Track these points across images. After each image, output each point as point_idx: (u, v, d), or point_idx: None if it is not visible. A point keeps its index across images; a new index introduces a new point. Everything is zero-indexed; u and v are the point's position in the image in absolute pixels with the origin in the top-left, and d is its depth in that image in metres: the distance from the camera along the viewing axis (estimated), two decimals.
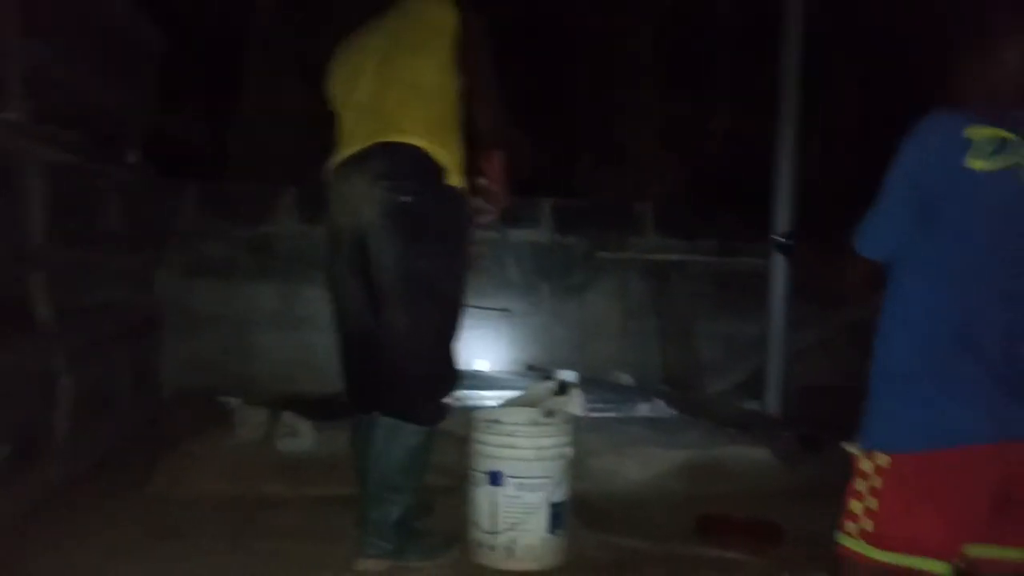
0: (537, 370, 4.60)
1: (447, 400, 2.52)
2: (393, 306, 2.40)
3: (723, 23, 5.60)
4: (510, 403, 3.86)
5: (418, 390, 2.45)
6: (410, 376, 2.44)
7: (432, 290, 2.41)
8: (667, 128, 5.67)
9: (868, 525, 1.52)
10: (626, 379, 4.86)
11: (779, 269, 4.39)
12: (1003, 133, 1.43)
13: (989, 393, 1.47)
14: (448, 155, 2.39)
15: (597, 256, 5.05)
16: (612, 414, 4.34)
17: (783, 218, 4.32)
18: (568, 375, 4.65)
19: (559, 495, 2.57)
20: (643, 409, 4.42)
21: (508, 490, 2.51)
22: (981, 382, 1.47)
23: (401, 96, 2.41)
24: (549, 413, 3.32)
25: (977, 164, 1.42)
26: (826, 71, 4.56)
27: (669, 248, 5.12)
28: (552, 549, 2.57)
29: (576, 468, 3.51)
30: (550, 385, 4.02)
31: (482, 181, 2.44)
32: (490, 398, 4.12)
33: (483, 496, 2.56)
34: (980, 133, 1.43)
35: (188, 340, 4.53)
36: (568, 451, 2.63)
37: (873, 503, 1.52)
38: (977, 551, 1.57)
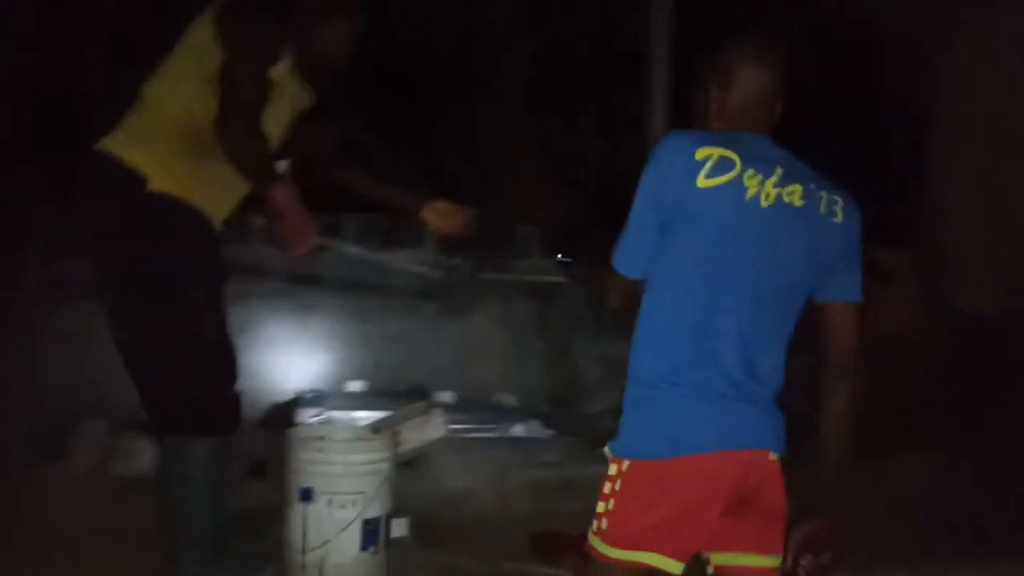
0: (415, 391, 4.57)
1: (217, 412, 2.43)
2: (120, 319, 2.38)
3: (593, 49, 5.69)
4: (372, 424, 3.84)
5: (172, 405, 2.40)
6: (159, 392, 2.40)
7: (150, 300, 2.34)
8: (546, 154, 5.74)
9: (604, 524, 1.58)
10: (508, 400, 4.87)
11: None
12: (729, 153, 1.53)
13: (724, 403, 1.54)
14: (152, 162, 2.31)
15: (481, 277, 5.07)
16: (486, 435, 4.33)
17: None
18: (445, 396, 4.66)
19: (373, 511, 2.55)
20: (518, 430, 4.42)
21: (319, 507, 2.49)
22: (717, 392, 1.53)
23: (136, 108, 2.40)
24: (396, 434, 3.32)
25: (708, 182, 1.51)
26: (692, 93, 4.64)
27: (553, 270, 5.16)
28: (365, 567, 2.54)
29: (429, 488, 3.56)
30: (420, 406, 4.01)
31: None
32: (362, 419, 4.08)
33: (295, 513, 2.52)
34: (708, 153, 1.52)
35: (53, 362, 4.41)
36: (384, 467, 2.61)
37: (612, 505, 1.58)
38: (719, 559, 1.62)
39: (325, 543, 2.48)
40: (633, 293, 1.63)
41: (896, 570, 3.03)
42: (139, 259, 2.34)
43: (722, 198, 1.52)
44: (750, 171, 1.54)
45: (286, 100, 2.49)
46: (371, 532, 2.54)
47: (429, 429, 3.89)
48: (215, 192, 2.39)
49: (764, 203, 1.55)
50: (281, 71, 2.41)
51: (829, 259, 1.61)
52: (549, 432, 4.42)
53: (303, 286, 4.73)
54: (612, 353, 4.94)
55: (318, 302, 4.85)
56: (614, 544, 1.57)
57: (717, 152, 1.53)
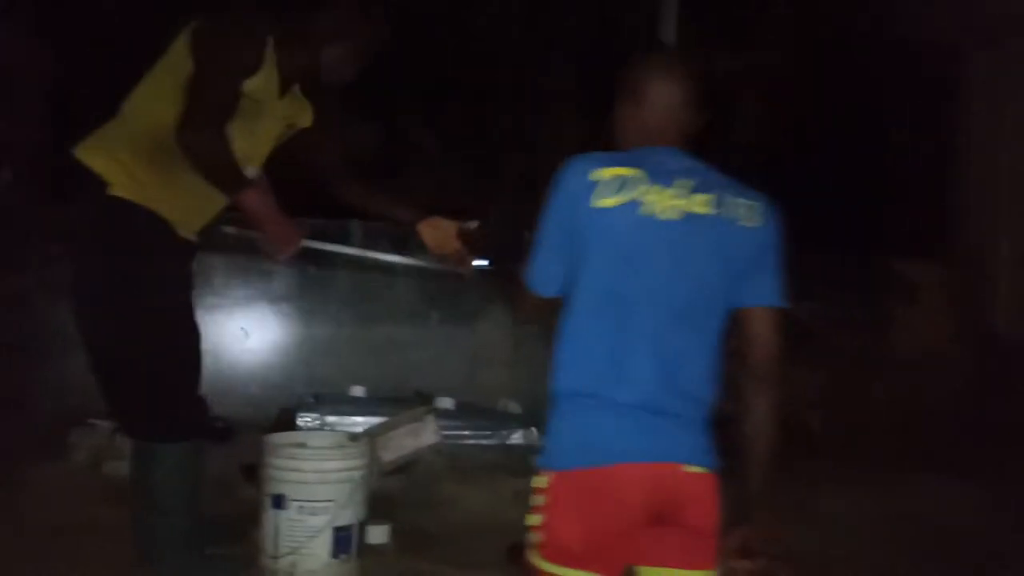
0: (416, 397, 4.55)
1: (179, 418, 2.43)
2: (80, 321, 2.38)
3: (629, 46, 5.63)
4: (369, 430, 3.83)
5: (135, 411, 2.40)
6: (121, 397, 2.40)
7: (113, 303, 2.35)
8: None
9: (537, 538, 1.57)
10: (513, 407, 4.82)
11: None
12: (626, 171, 1.54)
13: (640, 417, 1.53)
14: (115, 168, 2.32)
15: (488, 282, 5.02)
16: (483, 441, 4.29)
17: None
18: (446, 402, 4.63)
19: (345, 519, 2.53)
20: (516, 437, 4.37)
21: (290, 513, 2.47)
22: (633, 407, 1.52)
23: (116, 117, 2.42)
24: (390, 440, 3.29)
25: (602, 203, 1.52)
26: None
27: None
28: (336, 574, 2.51)
29: (417, 494, 3.52)
30: (416, 412, 3.98)
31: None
32: (359, 424, 4.06)
33: (268, 520, 2.51)
34: (604, 174, 1.53)
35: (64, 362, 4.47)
36: (357, 475, 2.58)
37: (541, 518, 1.57)
38: (648, 574, 1.59)
39: (295, 550, 2.45)
40: (546, 309, 1.65)
41: None
42: (97, 263, 2.37)
43: (618, 217, 1.53)
44: (650, 187, 1.55)
45: (272, 115, 2.49)
46: (343, 539, 2.51)
47: (423, 435, 3.88)
48: (186, 201, 2.39)
49: (666, 217, 1.54)
50: (261, 85, 2.39)
51: (743, 265, 1.59)
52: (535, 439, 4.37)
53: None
54: None
55: (325, 307, 4.86)
56: (547, 558, 1.56)
57: (614, 172, 1.55)
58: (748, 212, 1.59)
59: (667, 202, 1.54)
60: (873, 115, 5.56)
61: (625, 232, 1.53)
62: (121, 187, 2.32)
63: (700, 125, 1.67)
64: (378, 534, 2.97)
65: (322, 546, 2.47)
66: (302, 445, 2.67)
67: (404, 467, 3.73)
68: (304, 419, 4.09)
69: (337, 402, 4.28)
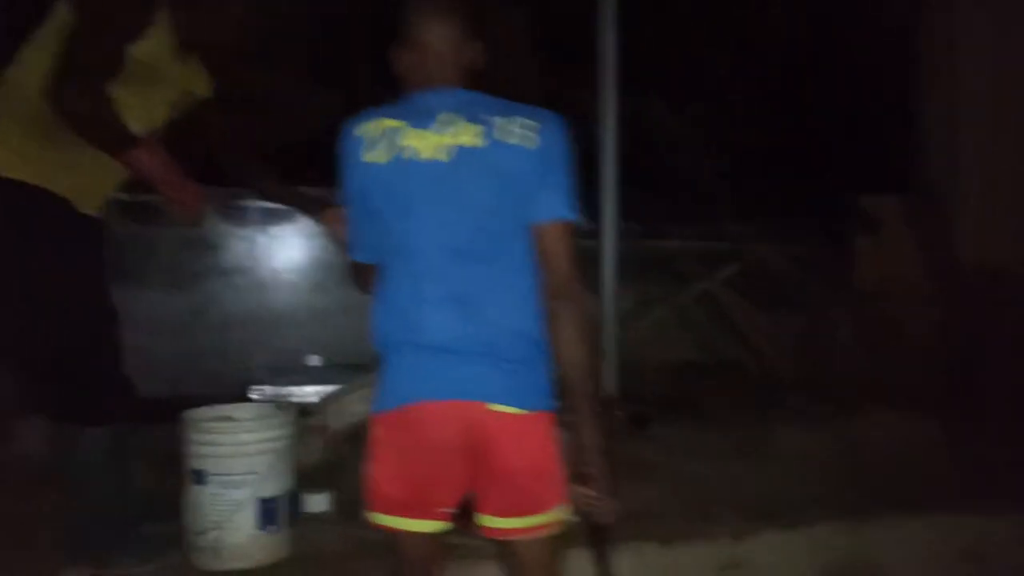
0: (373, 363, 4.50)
1: (110, 397, 2.39)
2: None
3: None
4: (323, 399, 3.80)
5: (58, 393, 2.34)
6: (43, 380, 2.35)
7: (12, 292, 2.28)
8: None
9: (367, 488, 1.60)
10: None
11: (609, 249, 4.36)
12: (388, 122, 1.55)
13: (443, 357, 1.52)
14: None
15: None
16: None
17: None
18: None
19: (271, 490, 2.49)
20: None
21: (211, 488, 2.43)
22: (435, 349, 1.53)
23: None
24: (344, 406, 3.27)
25: (369, 158, 1.54)
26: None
27: None
28: (263, 546, 2.48)
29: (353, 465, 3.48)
30: (372, 378, 3.94)
31: None
32: (312, 394, 4.03)
33: (191, 496, 2.48)
34: (368, 128, 1.55)
35: None
36: (280, 445, 2.54)
37: (369, 467, 1.59)
38: (483, 521, 1.61)
39: (219, 524, 2.42)
40: (369, 273, 1.66)
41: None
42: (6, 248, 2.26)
43: (384, 169, 1.53)
44: (412, 132, 1.53)
45: (167, 80, 2.40)
46: (269, 511, 2.48)
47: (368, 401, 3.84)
48: (80, 173, 2.30)
49: (431, 158, 1.52)
50: (153, 49, 2.30)
51: (526, 186, 1.55)
52: None
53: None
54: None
55: (279, 277, 4.80)
56: (375, 509, 1.58)
57: (377, 125, 1.55)
58: (523, 133, 1.54)
59: (431, 143, 1.51)
60: (832, 50, 5.44)
61: (394, 182, 1.53)
62: (4, 165, 2.21)
63: (477, 58, 1.64)
64: (318, 502, 2.95)
65: (246, 519, 2.44)
66: (228, 419, 2.63)
67: (358, 433, 3.70)
68: (258, 392, 4.07)
69: (292, 372, 4.26)
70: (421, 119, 1.54)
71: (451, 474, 1.54)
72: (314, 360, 4.48)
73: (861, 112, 5.32)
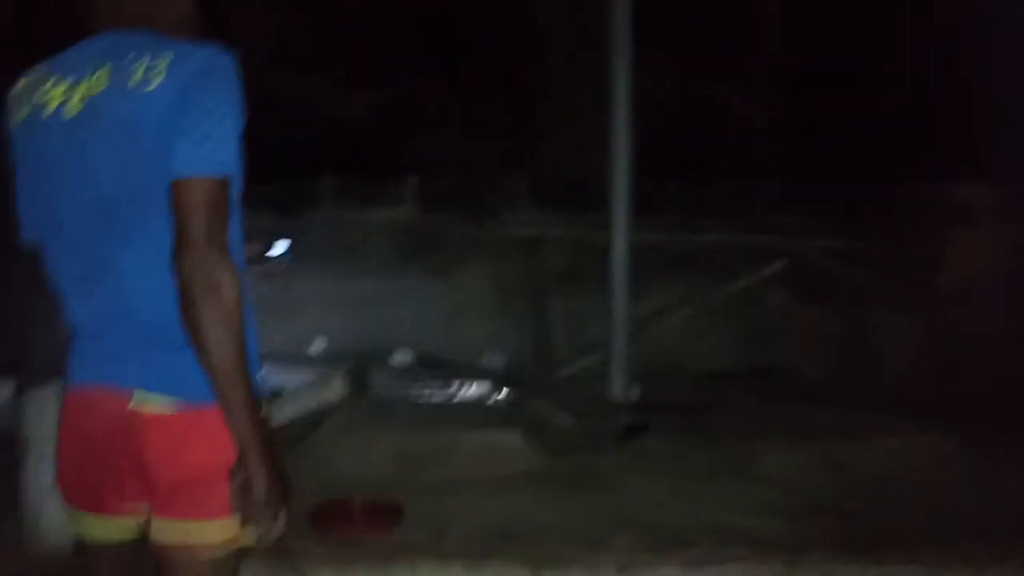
0: (369, 353, 4.35)
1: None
2: None
3: None
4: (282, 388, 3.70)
5: None
6: None
7: None
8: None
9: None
10: (496, 360, 4.54)
11: (619, 254, 3.96)
12: (38, 77, 1.30)
13: (87, 341, 1.31)
14: None
15: (466, 233, 4.73)
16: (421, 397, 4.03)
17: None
18: (402, 356, 4.41)
19: None
20: (471, 391, 4.07)
21: (35, 465, 2.36)
22: (83, 330, 1.32)
23: None
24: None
25: (15, 120, 1.30)
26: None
27: (545, 223, 4.71)
28: None
29: (290, 450, 3.32)
30: (331, 369, 3.82)
31: None
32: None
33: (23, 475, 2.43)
34: (18, 88, 1.31)
35: None
36: None
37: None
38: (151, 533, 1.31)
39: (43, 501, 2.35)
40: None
41: None
42: None
43: (26, 131, 1.28)
44: (53, 86, 1.26)
45: None
46: None
47: (329, 390, 3.70)
48: None
49: (69, 113, 1.23)
50: None
51: (152, 136, 1.19)
52: (498, 394, 4.04)
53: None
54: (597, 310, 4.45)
55: (298, 263, 4.76)
56: (63, 499, 1.35)
57: (24, 83, 1.30)
58: (148, 74, 1.19)
59: (70, 96, 1.24)
60: (898, 45, 4.71)
61: (35, 145, 1.27)
62: None
63: (181, 6, 1.33)
64: None
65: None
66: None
67: (314, 420, 3.57)
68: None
69: (288, 358, 4.19)
70: (68, 70, 1.27)
71: (110, 467, 1.28)
72: (316, 348, 4.40)
73: (929, 97, 4.55)
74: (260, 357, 1.28)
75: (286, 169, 4.97)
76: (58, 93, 1.24)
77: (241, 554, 1.29)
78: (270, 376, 3.92)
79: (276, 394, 3.70)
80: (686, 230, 4.65)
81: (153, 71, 1.19)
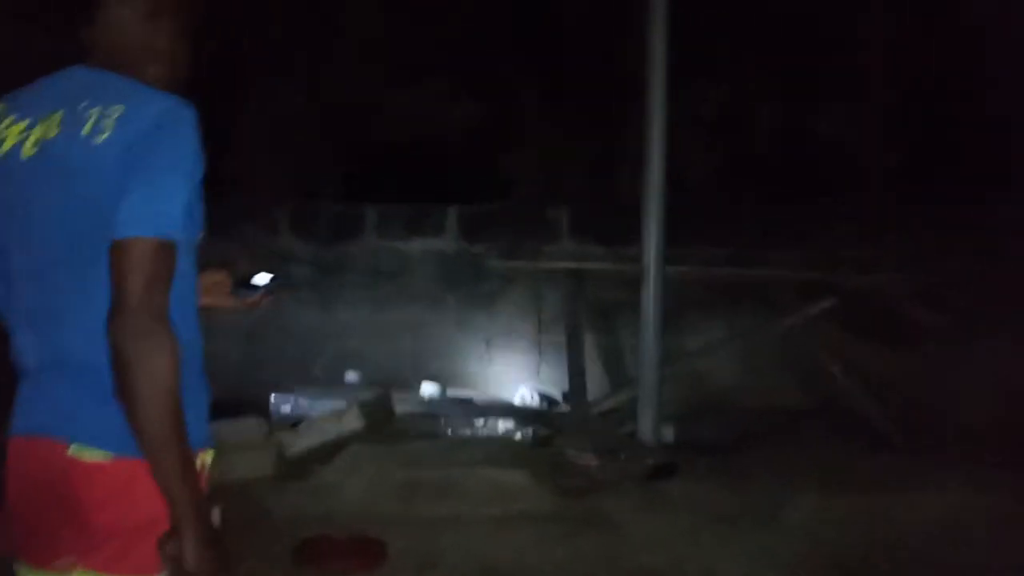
0: (398, 383, 4.29)
1: None
2: None
3: None
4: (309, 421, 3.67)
5: None
6: None
7: None
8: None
9: None
10: (527, 396, 4.41)
11: (652, 287, 3.78)
12: None
13: (29, 385, 1.26)
14: None
15: (507, 264, 4.63)
16: (465, 431, 3.93)
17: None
18: (431, 387, 4.32)
19: None
20: (494, 429, 3.95)
21: None
22: (31, 373, 1.26)
23: None
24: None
25: None
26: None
27: (585, 255, 4.57)
28: None
29: (299, 480, 3.28)
30: (355, 401, 3.77)
31: None
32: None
33: None
34: None
35: None
36: None
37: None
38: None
39: None
40: None
41: None
42: None
43: None
44: (14, 123, 1.22)
45: None
46: None
47: (346, 421, 3.64)
48: None
49: (25, 154, 1.19)
50: None
51: (95, 190, 1.15)
52: (524, 431, 3.90)
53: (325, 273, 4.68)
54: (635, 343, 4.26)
55: (342, 292, 4.76)
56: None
57: None
58: (99, 124, 1.15)
59: (26, 137, 1.21)
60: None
61: None
62: None
63: (155, 39, 1.29)
64: None
65: None
66: None
67: (330, 451, 3.52)
68: (281, 402, 4.05)
69: (313, 389, 4.17)
70: (26, 109, 1.26)
71: (46, 518, 1.24)
72: (351, 377, 4.37)
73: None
74: (209, 411, 1.24)
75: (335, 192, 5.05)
76: (15, 132, 1.22)
77: None
78: (293, 404, 3.92)
79: (295, 424, 3.71)
80: (740, 262, 4.40)
81: (104, 122, 1.16)
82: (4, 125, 1.23)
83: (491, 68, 5.30)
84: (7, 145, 1.21)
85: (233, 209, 4.42)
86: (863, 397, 3.97)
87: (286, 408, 4.02)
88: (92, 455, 1.18)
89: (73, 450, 1.18)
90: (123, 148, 1.13)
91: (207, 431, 1.25)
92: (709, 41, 4.82)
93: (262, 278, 1.57)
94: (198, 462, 1.21)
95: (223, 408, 3.56)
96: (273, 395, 4.06)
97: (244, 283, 1.56)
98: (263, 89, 5.39)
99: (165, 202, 1.13)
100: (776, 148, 5.32)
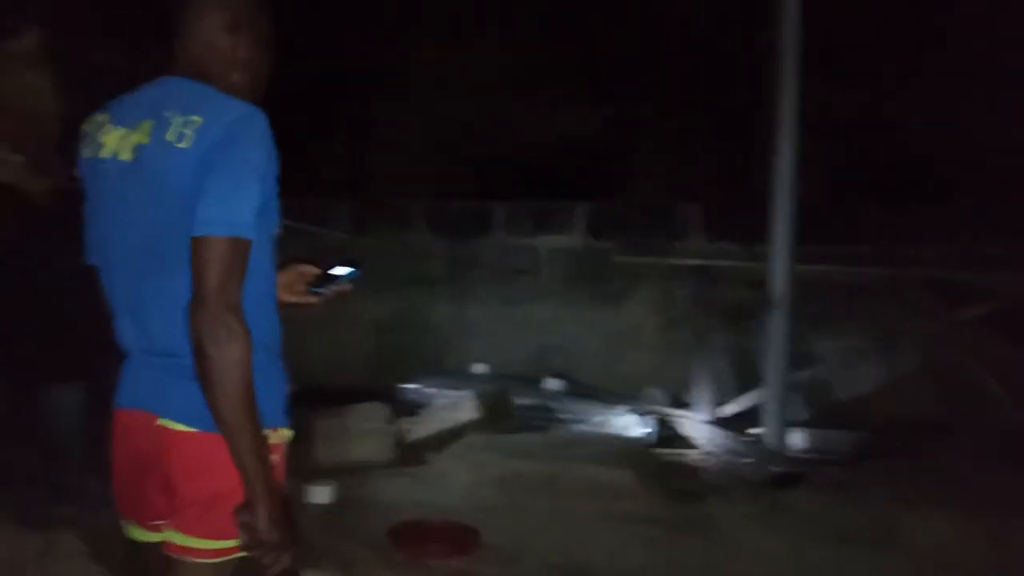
0: (525, 377, 4.31)
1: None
2: None
3: None
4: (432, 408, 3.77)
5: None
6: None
7: None
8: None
9: None
10: (656, 396, 4.30)
11: (779, 287, 3.59)
12: (100, 117, 1.40)
13: (134, 364, 1.42)
14: None
15: (634, 261, 4.55)
16: (581, 426, 3.91)
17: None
18: (554, 383, 4.31)
19: None
20: (610, 425, 3.89)
21: None
22: (132, 355, 1.41)
23: None
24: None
25: (84, 154, 1.41)
26: None
27: (718, 253, 4.40)
28: None
29: (411, 464, 3.36)
30: (473, 391, 3.84)
31: None
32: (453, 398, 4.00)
33: None
34: (89, 123, 1.41)
35: None
36: None
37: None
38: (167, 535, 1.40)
39: None
40: None
41: None
42: None
43: (89, 167, 1.40)
44: (110, 129, 1.37)
45: None
46: None
47: (462, 411, 3.71)
48: None
49: (121, 157, 1.34)
50: None
51: (179, 192, 1.28)
52: (644, 430, 3.81)
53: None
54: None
55: (475, 286, 4.84)
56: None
57: (94, 120, 1.40)
58: (182, 132, 1.28)
59: (123, 141, 1.35)
60: None
61: (92, 181, 1.40)
62: None
63: (236, 50, 1.40)
64: (320, 494, 2.95)
65: None
66: None
67: (446, 439, 3.60)
68: (408, 389, 4.20)
69: (442, 376, 4.28)
70: (124, 115, 1.39)
71: (141, 482, 1.39)
72: (479, 368, 4.45)
73: None
74: (286, 396, 1.34)
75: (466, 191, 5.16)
76: (114, 138, 1.36)
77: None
78: (418, 393, 4.04)
79: (413, 413, 3.83)
80: (883, 262, 4.10)
81: (186, 129, 1.28)
82: (105, 131, 1.37)
83: (622, 70, 5.27)
84: (108, 150, 1.35)
85: (370, 206, 4.63)
86: (1017, 411, 3.58)
87: (412, 396, 4.17)
88: (179, 428, 1.29)
89: (163, 422, 1.30)
90: (201, 154, 1.25)
91: (282, 412, 1.34)
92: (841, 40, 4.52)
93: (341, 270, 1.63)
94: (275, 439, 1.31)
95: (353, 395, 3.73)
96: (400, 384, 4.22)
97: (324, 278, 1.62)
98: (406, 96, 5.63)
99: (237, 203, 1.25)
100: (916, 147, 4.95)
